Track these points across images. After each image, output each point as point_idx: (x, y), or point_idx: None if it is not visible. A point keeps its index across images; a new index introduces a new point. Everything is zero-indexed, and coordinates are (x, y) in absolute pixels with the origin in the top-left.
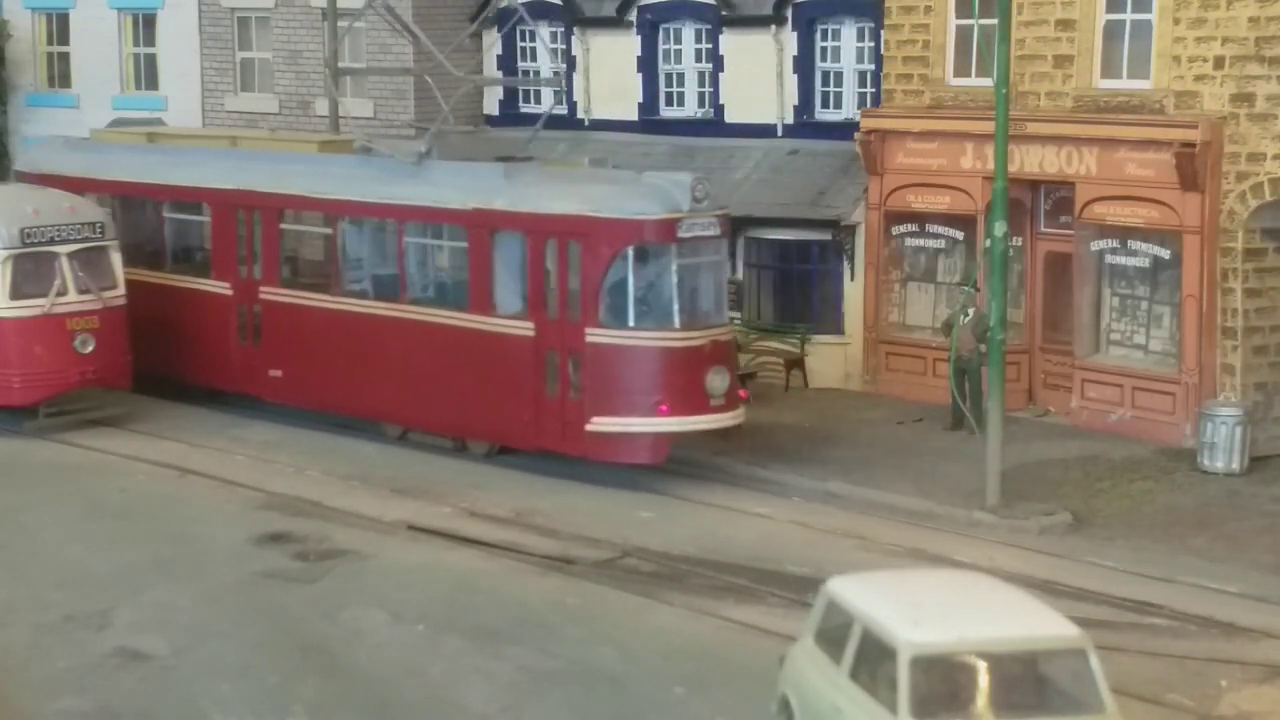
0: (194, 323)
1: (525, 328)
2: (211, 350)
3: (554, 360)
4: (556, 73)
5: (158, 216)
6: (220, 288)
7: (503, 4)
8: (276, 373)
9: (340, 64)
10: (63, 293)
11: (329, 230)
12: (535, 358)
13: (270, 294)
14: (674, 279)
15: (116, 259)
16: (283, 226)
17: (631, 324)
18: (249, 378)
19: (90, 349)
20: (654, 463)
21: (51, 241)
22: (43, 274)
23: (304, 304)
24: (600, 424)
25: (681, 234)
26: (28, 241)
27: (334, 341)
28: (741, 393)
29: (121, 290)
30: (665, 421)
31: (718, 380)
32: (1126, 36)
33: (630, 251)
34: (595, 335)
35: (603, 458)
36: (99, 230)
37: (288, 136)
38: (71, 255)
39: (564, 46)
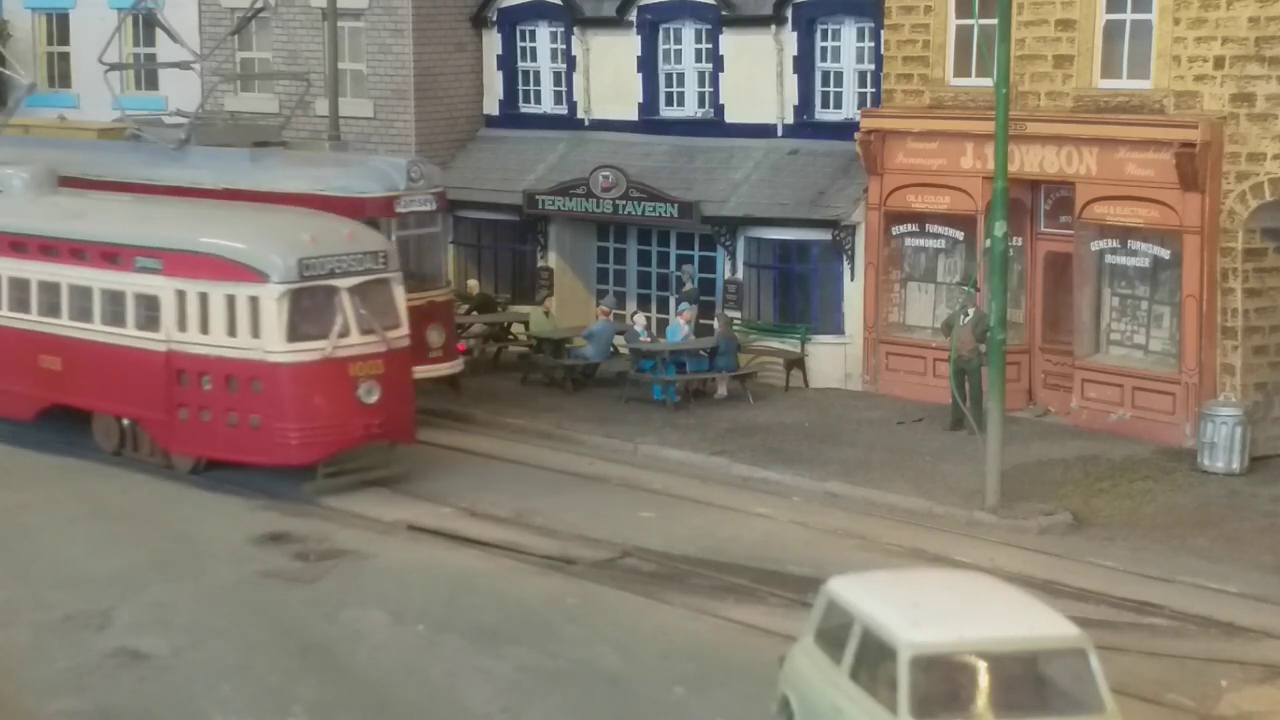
0: None
1: None
2: None
3: None
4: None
5: None
6: None
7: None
8: None
9: (107, 58)
10: (344, 334)
11: None
12: None
13: None
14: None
15: (399, 293)
16: None
17: None
18: None
19: (375, 398)
20: None
21: (331, 274)
22: (322, 312)
23: None
24: None
25: (399, 209)
26: (306, 275)
27: None
28: (459, 346)
29: (405, 330)
30: None
31: (435, 335)
32: (1126, 36)
33: None
34: None
35: None
36: (382, 260)
37: (72, 124)
38: (352, 290)
39: (564, 46)
